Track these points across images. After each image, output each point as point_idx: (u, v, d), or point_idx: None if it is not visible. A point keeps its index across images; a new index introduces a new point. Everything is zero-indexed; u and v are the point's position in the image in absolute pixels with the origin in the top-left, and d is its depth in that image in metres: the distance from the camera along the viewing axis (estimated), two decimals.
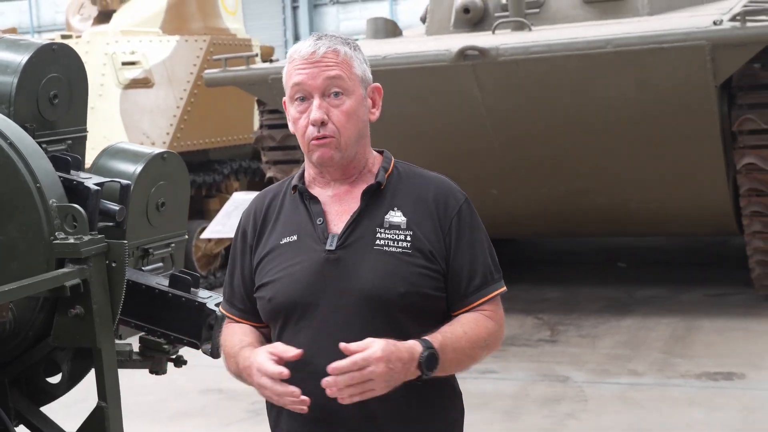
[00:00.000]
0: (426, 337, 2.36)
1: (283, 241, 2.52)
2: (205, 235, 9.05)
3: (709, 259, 10.78)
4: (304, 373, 2.37)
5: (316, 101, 2.46)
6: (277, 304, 2.49)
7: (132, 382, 4.34)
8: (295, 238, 2.51)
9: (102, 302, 3.13)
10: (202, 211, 11.39)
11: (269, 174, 9.18)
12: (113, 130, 9.90)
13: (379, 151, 2.64)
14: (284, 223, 2.55)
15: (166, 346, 3.46)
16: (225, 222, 8.45)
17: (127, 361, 3.50)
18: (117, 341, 3.57)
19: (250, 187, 11.63)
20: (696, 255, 11.16)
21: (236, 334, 2.61)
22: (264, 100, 8.85)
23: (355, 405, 2.32)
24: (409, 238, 2.45)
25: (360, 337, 2.33)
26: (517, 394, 6.72)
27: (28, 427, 3.40)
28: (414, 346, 2.33)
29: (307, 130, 2.48)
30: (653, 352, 7.46)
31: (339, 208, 2.52)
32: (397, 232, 2.46)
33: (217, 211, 9.17)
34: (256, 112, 9.81)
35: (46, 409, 3.44)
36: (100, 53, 10.39)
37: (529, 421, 6.20)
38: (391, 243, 2.45)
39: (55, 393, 3.41)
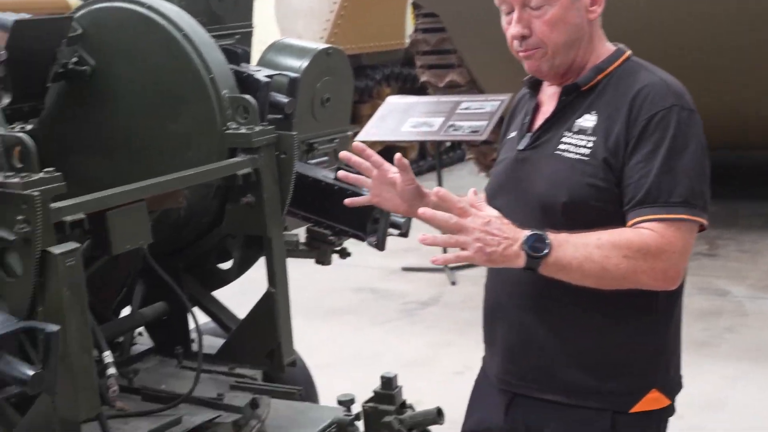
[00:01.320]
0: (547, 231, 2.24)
1: (509, 136, 2.57)
2: (359, 138, 9.11)
3: None
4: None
5: (515, 14, 2.39)
6: (487, 197, 2.53)
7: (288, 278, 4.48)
8: (514, 134, 2.54)
9: (272, 192, 3.20)
10: (354, 116, 11.48)
11: (423, 78, 9.14)
12: (269, 34, 10.02)
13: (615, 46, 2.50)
14: (517, 119, 2.59)
15: (331, 238, 3.52)
16: (379, 125, 8.49)
17: (294, 250, 3.59)
18: (284, 232, 3.66)
19: (402, 93, 11.63)
20: None
21: None
22: (420, 2, 8.75)
23: (519, 307, 2.34)
24: (590, 144, 2.33)
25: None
26: None
27: (201, 308, 3.54)
28: (524, 230, 2.22)
29: (513, 42, 2.43)
30: None
31: (548, 107, 2.49)
32: (582, 137, 2.35)
33: (370, 116, 9.22)
34: (409, 18, 9.73)
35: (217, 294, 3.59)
36: None
37: (686, 335, 6.07)
38: (572, 148, 2.36)
39: (226, 278, 3.53)
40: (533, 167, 2.43)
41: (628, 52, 2.48)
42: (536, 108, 2.52)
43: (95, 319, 3.24)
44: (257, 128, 3.15)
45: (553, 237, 2.22)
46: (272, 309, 3.26)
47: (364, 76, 11.86)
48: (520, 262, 2.19)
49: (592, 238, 2.22)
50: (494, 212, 2.22)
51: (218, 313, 3.53)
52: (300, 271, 3.62)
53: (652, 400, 2.42)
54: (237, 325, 3.43)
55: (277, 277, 3.25)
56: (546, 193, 2.36)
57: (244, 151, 3.17)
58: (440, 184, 8.35)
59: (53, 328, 2.19)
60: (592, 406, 2.40)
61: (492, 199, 2.50)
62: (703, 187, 2.28)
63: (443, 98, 8.74)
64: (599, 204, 2.31)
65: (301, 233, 3.63)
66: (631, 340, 2.40)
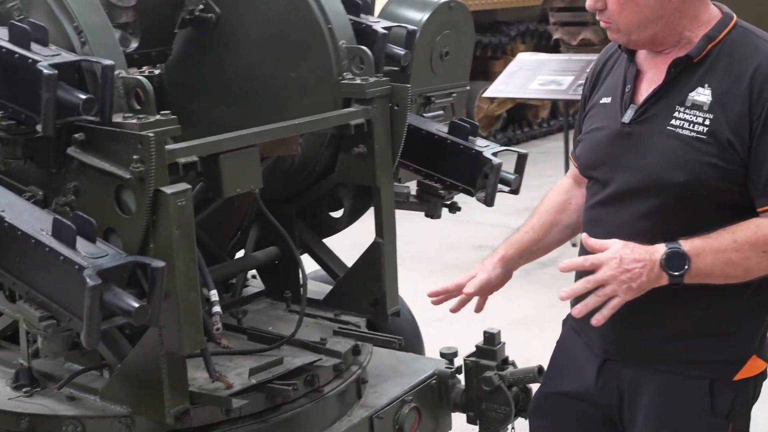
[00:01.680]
0: (680, 240, 2.21)
1: (602, 101, 2.47)
2: (487, 94, 9.05)
3: None
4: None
5: None
6: (581, 164, 2.51)
7: (411, 231, 4.51)
8: (609, 100, 2.44)
9: (383, 143, 3.23)
10: (486, 72, 11.41)
11: (556, 36, 8.99)
12: None
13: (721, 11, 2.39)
14: (609, 82, 2.50)
15: (441, 192, 3.54)
16: (508, 82, 8.41)
17: (405, 202, 3.62)
18: (395, 183, 3.69)
19: (536, 51, 11.47)
20: None
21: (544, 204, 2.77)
22: None
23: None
24: (708, 122, 2.23)
25: (644, 219, 2.28)
26: None
27: (311, 255, 3.62)
28: (657, 247, 2.20)
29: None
30: None
31: (651, 77, 2.37)
32: (697, 113, 2.25)
33: (500, 73, 9.13)
34: None
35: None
36: None
37: None
38: (686, 125, 2.26)
39: (336, 227, 3.60)
40: (642, 143, 2.33)
41: (735, 17, 2.37)
42: (637, 75, 2.41)
43: (208, 260, 3.38)
44: (372, 79, 3.18)
45: (689, 248, 2.18)
46: (378, 259, 3.31)
47: (498, 32, 11.73)
48: (664, 281, 2.19)
49: (726, 240, 2.19)
50: (617, 243, 2.18)
51: (327, 260, 3.61)
52: (423, 225, 3.63)
53: (751, 367, 2.40)
54: (344, 273, 3.50)
55: (384, 228, 3.29)
56: (661, 172, 2.27)
57: (358, 102, 3.20)
58: (567, 144, 8.24)
59: (159, 264, 2.28)
60: (692, 375, 2.38)
61: (590, 170, 2.46)
62: None
63: (575, 56, 8.58)
64: (720, 184, 2.24)
65: (412, 186, 3.66)
66: (735, 312, 2.36)
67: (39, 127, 2.44)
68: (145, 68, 3.83)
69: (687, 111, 2.26)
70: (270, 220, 3.14)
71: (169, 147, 2.57)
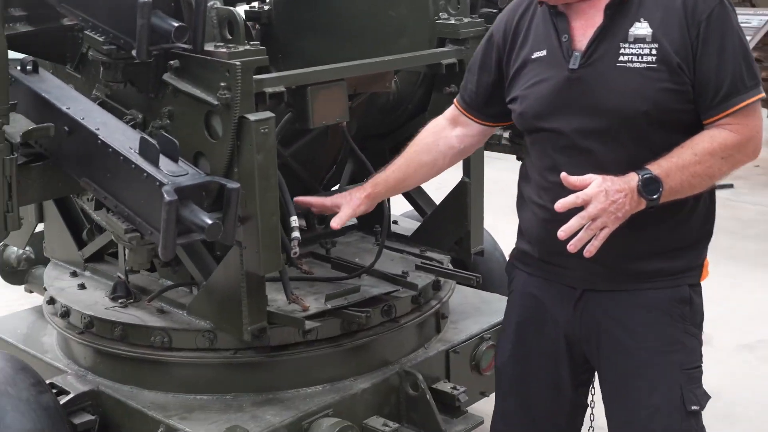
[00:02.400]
0: (647, 166, 2.30)
1: (534, 56, 2.49)
2: None
3: None
4: (552, 187, 2.42)
5: None
6: (526, 120, 2.52)
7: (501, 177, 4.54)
8: (544, 53, 2.47)
9: None
10: None
11: None
12: None
13: None
14: (535, 37, 2.51)
15: None
16: None
17: (496, 144, 3.64)
18: None
19: None
20: None
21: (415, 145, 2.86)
22: None
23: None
24: (654, 51, 2.32)
25: (606, 156, 2.36)
26: None
27: (403, 194, 3.69)
28: (630, 176, 2.28)
29: None
30: None
31: (584, 23, 2.41)
32: (642, 45, 2.33)
33: None
34: None
35: None
36: None
37: None
38: (635, 58, 2.34)
39: None
40: (595, 83, 2.37)
41: None
42: (568, 25, 2.43)
43: (302, 191, 3.50)
44: (466, 20, 3.22)
45: (659, 171, 2.28)
46: (464, 198, 3.36)
47: None
48: (643, 206, 2.29)
49: (688, 156, 2.30)
50: (596, 177, 2.25)
51: (416, 197, 3.68)
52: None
53: (705, 269, 2.54)
54: (432, 211, 3.57)
55: (472, 168, 3.34)
56: (623, 105, 2.34)
57: (451, 42, 3.25)
58: None
59: (233, 185, 2.40)
60: (674, 284, 2.47)
61: (542, 121, 2.47)
62: (754, 64, 2.38)
63: None
64: (681, 106, 2.34)
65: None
66: (698, 220, 2.48)
67: (134, 52, 2.59)
68: (254, 3, 3.96)
69: (631, 46, 2.34)
70: (356, 153, 3.23)
71: (257, 77, 2.69)
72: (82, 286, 3.28)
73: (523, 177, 2.64)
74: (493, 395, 2.85)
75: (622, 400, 2.51)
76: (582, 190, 2.25)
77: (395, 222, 3.82)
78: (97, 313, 3.08)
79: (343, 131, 3.14)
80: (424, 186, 3.70)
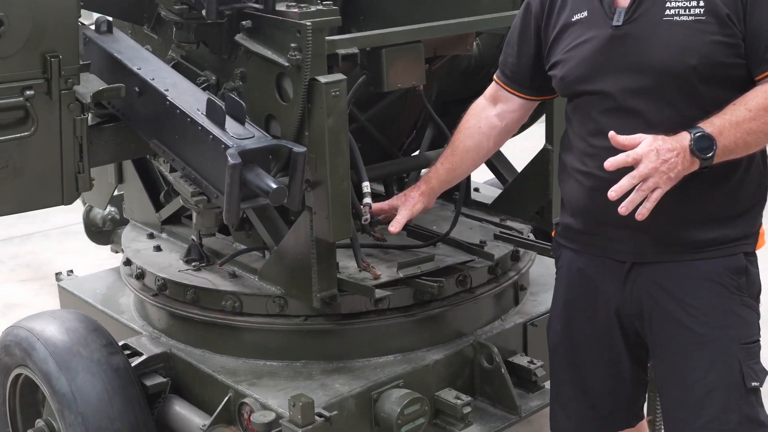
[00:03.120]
0: (698, 124, 2.17)
1: (574, 18, 2.37)
2: None
3: None
4: (598, 152, 2.30)
5: None
6: (567, 84, 2.40)
7: None
8: (585, 14, 2.35)
9: None
10: None
11: None
12: None
13: None
14: (574, 0, 2.38)
15: None
16: None
17: None
18: None
19: None
20: None
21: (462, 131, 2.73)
22: None
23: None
24: (702, 3, 2.19)
25: (655, 116, 2.24)
26: None
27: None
28: (682, 134, 2.16)
29: None
30: None
31: None
32: None
33: None
34: None
35: None
36: None
37: None
38: (682, 11, 2.21)
39: None
40: (641, 39, 2.25)
41: None
42: None
43: (380, 156, 3.43)
44: None
45: (711, 129, 2.17)
46: (546, 166, 3.24)
47: None
48: (696, 166, 2.18)
49: (741, 112, 2.17)
50: (647, 137, 2.15)
51: (497, 164, 3.58)
52: None
53: (761, 236, 2.41)
54: (513, 178, 3.45)
55: (555, 135, 3.21)
56: (671, 60, 2.22)
57: None
58: None
59: (300, 149, 2.35)
60: (729, 253, 2.33)
61: (584, 84, 2.34)
62: None
63: None
64: (729, 60, 2.21)
65: None
66: (747, 187, 2.34)
67: (204, 12, 2.54)
68: None
69: None
70: (434, 118, 3.13)
71: (330, 38, 2.61)
72: (158, 248, 3.28)
73: (565, 146, 2.52)
74: None
75: (676, 377, 2.38)
76: (632, 149, 2.13)
77: (476, 190, 3.72)
78: (170, 275, 3.08)
79: (420, 95, 3.04)
80: (506, 153, 3.60)
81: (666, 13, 2.23)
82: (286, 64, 2.56)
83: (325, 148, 2.57)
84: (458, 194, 3.47)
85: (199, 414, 2.91)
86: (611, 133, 2.18)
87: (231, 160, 2.22)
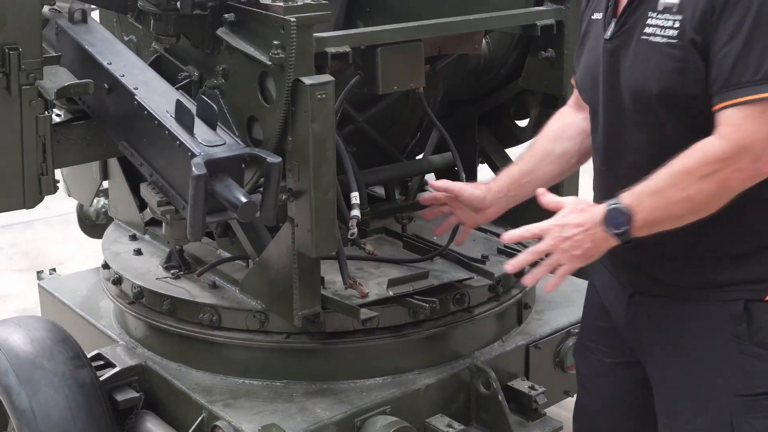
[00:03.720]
0: (623, 192, 1.96)
1: (594, 16, 2.17)
2: None
3: None
4: (598, 170, 2.17)
5: None
6: (578, 89, 2.27)
7: None
8: (600, 15, 2.13)
9: (574, 48, 2.88)
10: None
11: None
12: None
13: None
14: None
15: None
16: None
17: None
18: None
19: None
20: None
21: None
22: None
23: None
24: (677, 24, 1.92)
25: (632, 142, 2.04)
26: None
27: (489, 165, 3.36)
28: (600, 206, 1.97)
29: None
30: None
31: None
32: (668, 16, 1.93)
33: None
34: None
35: None
36: None
37: None
38: (658, 31, 1.95)
39: (521, 137, 3.30)
40: (623, 57, 2.02)
41: None
42: None
43: (380, 159, 3.20)
44: None
45: (630, 200, 1.94)
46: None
47: None
48: (613, 242, 1.97)
49: (662, 177, 1.92)
50: (569, 203, 2.02)
51: (504, 168, 3.32)
52: None
53: None
54: None
55: None
56: (637, 84, 2.00)
57: (551, 0, 2.88)
58: None
59: (274, 159, 2.12)
60: (725, 298, 2.06)
61: (585, 94, 2.21)
62: None
63: None
64: (693, 90, 1.93)
65: None
66: (746, 228, 2.04)
67: (179, 4, 2.33)
68: None
69: (659, 16, 1.96)
70: (435, 123, 2.91)
71: (319, 35, 2.39)
72: (138, 252, 3.08)
73: None
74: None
75: (668, 416, 2.16)
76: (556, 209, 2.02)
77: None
78: (146, 283, 2.88)
79: (420, 98, 2.81)
80: (513, 157, 3.37)
81: (645, 30, 1.98)
82: (269, 63, 2.34)
83: (308, 155, 2.35)
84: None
85: None
86: (539, 191, 2.08)
87: (195, 171, 2.00)
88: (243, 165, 2.14)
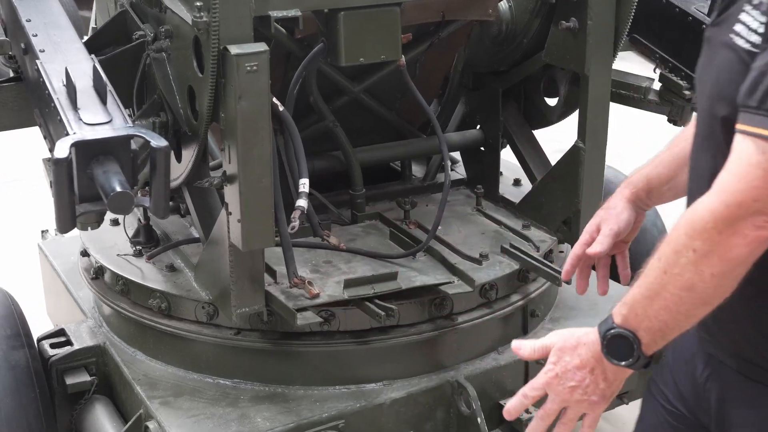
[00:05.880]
0: (614, 310, 1.57)
1: None
2: None
3: None
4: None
5: None
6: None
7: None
8: None
9: (601, 19, 2.43)
10: None
11: None
12: None
13: None
14: None
15: (687, 92, 2.65)
16: None
17: (641, 100, 2.79)
18: (636, 74, 2.87)
19: None
20: None
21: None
22: None
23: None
24: (762, 29, 1.44)
25: (698, 157, 1.63)
26: None
27: (512, 147, 2.94)
28: (594, 338, 1.59)
29: None
30: None
31: None
32: (758, 14, 1.45)
33: None
34: None
35: None
36: None
37: None
38: (743, 32, 1.47)
39: (549, 118, 2.87)
40: (712, 54, 1.56)
41: None
42: None
43: (391, 134, 2.85)
44: None
45: (623, 315, 1.54)
46: (576, 167, 2.58)
47: None
48: (627, 373, 1.60)
49: (652, 268, 1.50)
50: (555, 343, 1.65)
51: (528, 157, 2.89)
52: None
53: None
54: (542, 178, 2.79)
55: (589, 129, 2.54)
56: (708, 100, 1.57)
57: None
58: None
59: (159, 143, 1.81)
60: None
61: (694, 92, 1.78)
62: None
63: None
64: None
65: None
66: None
67: None
68: None
69: (752, 10, 1.47)
70: (422, 104, 2.53)
71: None
72: (115, 222, 2.83)
73: None
74: None
75: None
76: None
77: (517, 182, 3.06)
78: (106, 258, 2.64)
79: (402, 71, 2.43)
80: (543, 144, 2.95)
81: (734, 26, 1.49)
82: (193, 26, 2.02)
83: (236, 136, 2.04)
84: (481, 188, 2.89)
85: (115, 424, 2.49)
86: (514, 346, 1.74)
87: (56, 154, 1.72)
88: (136, 147, 1.84)
